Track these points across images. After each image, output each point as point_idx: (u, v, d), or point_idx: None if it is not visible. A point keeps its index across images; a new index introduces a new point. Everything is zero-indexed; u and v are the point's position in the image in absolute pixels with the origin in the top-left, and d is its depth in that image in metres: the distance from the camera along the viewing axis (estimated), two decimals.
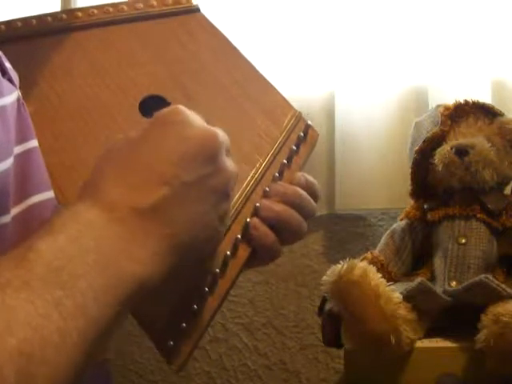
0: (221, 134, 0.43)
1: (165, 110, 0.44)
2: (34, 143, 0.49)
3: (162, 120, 0.43)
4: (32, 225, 0.45)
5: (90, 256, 0.35)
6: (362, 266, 0.57)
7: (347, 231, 0.97)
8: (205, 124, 0.44)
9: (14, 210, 0.45)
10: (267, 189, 0.52)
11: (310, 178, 0.55)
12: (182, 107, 0.44)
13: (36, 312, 0.31)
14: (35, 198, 0.47)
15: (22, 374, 0.30)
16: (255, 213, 0.51)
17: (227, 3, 0.98)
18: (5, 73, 0.48)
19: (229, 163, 0.44)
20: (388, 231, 0.72)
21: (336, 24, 0.92)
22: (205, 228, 0.42)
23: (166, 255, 0.39)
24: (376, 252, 0.70)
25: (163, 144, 0.42)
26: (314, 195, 0.54)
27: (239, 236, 0.50)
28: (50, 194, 0.49)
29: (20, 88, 0.50)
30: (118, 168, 0.41)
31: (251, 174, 0.53)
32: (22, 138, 0.47)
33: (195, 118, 0.43)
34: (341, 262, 0.58)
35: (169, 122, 0.43)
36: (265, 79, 0.61)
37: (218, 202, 0.43)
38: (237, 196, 0.51)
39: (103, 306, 0.35)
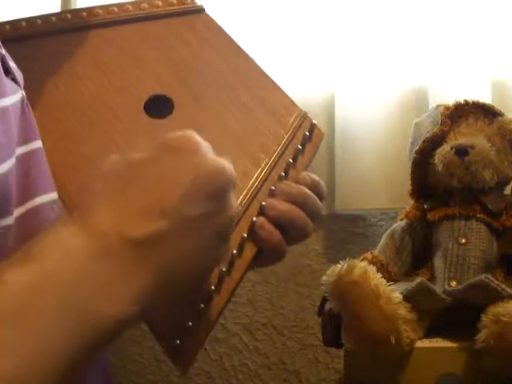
0: (229, 169, 0.40)
1: (176, 135, 0.40)
2: (37, 144, 0.48)
3: (173, 145, 0.39)
4: (35, 226, 0.45)
5: (63, 292, 0.33)
6: (362, 266, 0.57)
7: (347, 231, 0.97)
8: (215, 156, 0.40)
9: (18, 211, 0.44)
10: (273, 188, 0.52)
11: (315, 178, 0.54)
12: (194, 134, 0.40)
13: None
14: (39, 200, 0.47)
15: None
16: (261, 212, 0.50)
17: (227, 3, 0.98)
18: (8, 72, 0.47)
19: (234, 203, 0.41)
20: (388, 231, 0.72)
21: (336, 24, 0.92)
22: (196, 268, 0.40)
23: (150, 294, 0.36)
24: (376, 252, 0.70)
25: (170, 171, 0.38)
26: (319, 194, 0.53)
27: (245, 235, 0.49)
28: (53, 196, 0.48)
29: (24, 88, 0.49)
30: (113, 190, 0.37)
31: (257, 173, 0.53)
32: (25, 139, 0.47)
33: (206, 148, 0.40)
34: (341, 262, 0.58)
35: (179, 148, 0.39)
36: (270, 79, 0.61)
37: (216, 243, 0.40)
38: (243, 195, 0.51)
39: (68, 346, 0.33)
